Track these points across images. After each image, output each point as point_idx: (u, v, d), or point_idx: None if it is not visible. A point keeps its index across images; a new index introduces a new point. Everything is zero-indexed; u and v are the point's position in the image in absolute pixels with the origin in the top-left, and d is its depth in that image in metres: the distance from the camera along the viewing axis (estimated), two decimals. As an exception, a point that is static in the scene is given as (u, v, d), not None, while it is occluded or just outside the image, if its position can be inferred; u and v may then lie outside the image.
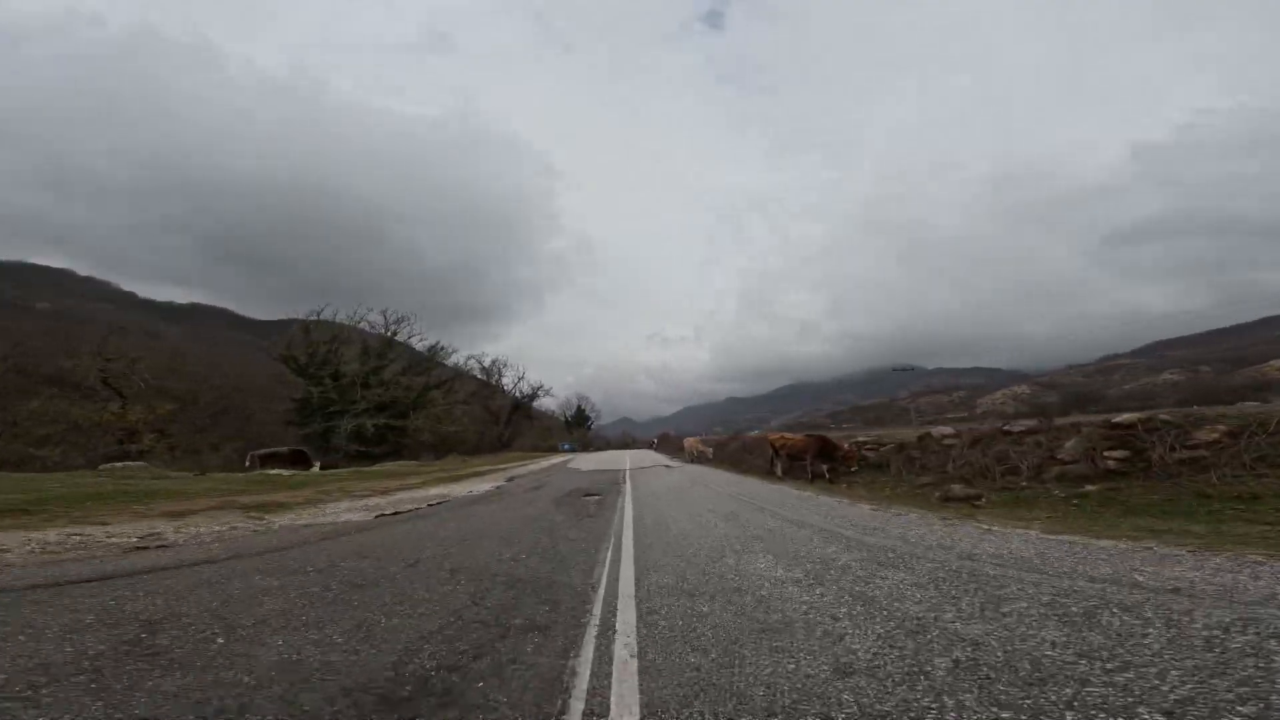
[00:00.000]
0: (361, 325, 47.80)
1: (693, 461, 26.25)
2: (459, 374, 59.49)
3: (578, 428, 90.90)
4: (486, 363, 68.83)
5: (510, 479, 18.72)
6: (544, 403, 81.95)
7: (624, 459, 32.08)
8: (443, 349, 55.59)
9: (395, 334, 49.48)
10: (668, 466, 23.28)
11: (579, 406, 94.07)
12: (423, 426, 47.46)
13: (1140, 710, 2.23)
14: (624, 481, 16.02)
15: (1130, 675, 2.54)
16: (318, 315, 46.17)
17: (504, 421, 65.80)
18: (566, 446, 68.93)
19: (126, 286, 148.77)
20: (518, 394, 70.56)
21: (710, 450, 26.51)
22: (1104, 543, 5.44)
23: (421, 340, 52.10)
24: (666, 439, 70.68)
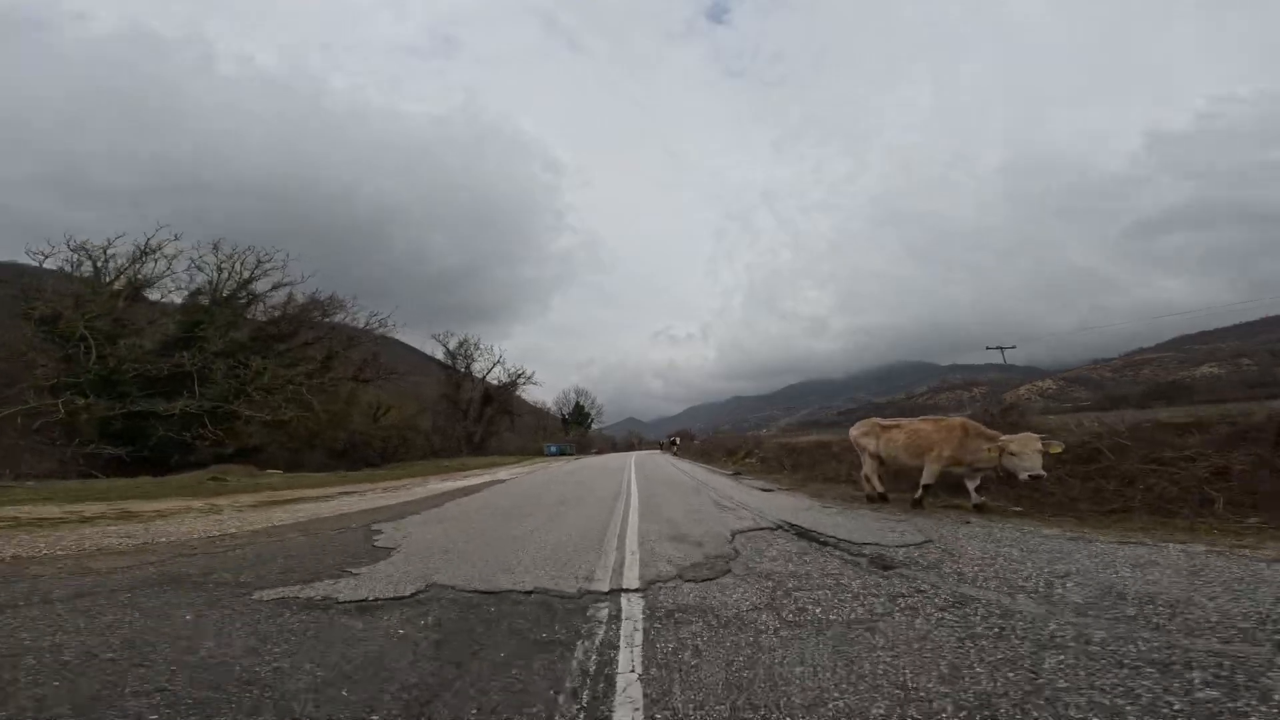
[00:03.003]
0: (158, 268, 26.73)
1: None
2: (339, 332, 33.13)
3: (576, 426, 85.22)
4: (452, 345, 55.47)
5: None
6: (537, 396, 74.26)
7: (626, 476, 17.27)
8: (339, 303, 32.71)
9: (249, 280, 29.31)
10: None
11: (577, 403, 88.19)
12: (192, 412, 23.89)
13: None
14: None
15: None
16: (105, 251, 25.89)
17: (473, 417, 54.10)
18: (553, 449, 60.70)
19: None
20: (494, 382, 57.44)
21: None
22: None
23: (295, 287, 30.74)
24: (688, 439, 58.34)
